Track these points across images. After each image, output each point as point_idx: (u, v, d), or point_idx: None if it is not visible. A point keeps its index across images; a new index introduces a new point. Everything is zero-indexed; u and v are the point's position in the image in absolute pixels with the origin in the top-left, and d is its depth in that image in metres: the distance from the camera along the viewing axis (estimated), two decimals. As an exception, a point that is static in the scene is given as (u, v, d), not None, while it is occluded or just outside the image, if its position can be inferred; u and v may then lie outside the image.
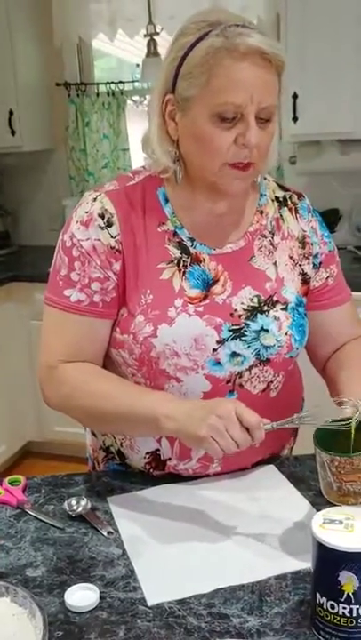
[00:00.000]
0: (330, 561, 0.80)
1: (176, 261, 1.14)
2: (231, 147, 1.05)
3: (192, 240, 1.16)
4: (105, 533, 1.05)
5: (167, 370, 1.12)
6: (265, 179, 1.25)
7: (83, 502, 1.12)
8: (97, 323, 1.14)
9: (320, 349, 1.30)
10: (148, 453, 1.20)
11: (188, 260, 1.15)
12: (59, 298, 1.14)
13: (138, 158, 3.63)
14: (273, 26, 3.12)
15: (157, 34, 3.16)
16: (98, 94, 3.51)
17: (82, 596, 0.91)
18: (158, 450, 1.19)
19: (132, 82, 3.52)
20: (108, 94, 3.47)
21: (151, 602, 0.91)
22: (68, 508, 1.11)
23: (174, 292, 1.13)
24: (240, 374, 1.15)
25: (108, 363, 1.19)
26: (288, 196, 1.26)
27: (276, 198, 1.24)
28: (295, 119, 2.87)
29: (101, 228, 1.12)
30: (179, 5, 3.16)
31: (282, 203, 1.24)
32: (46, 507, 1.14)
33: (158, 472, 1.21)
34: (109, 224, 1.12)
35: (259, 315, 1.15)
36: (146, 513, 1.11)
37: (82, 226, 1.13)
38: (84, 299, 1.13)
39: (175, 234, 1.15)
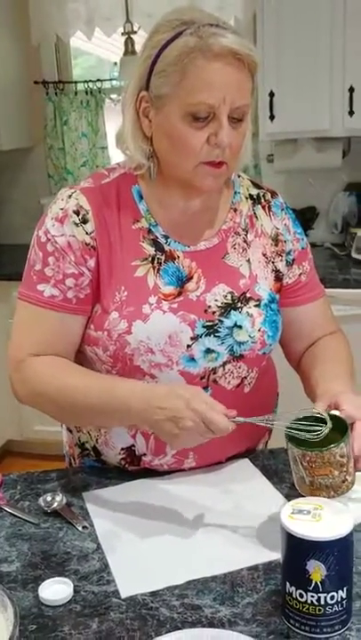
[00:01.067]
0: (298, 550, 0.81)
1: (150, 259, 1.15)
2: (204, 146, 1.06)
3: (166, 237, 1.17)
4: (80, 528, 1.06)
5: (142, 366, 1.13)
6: (239, 176, 1.27)
7: (58, 498, 1.13)
8: (69, 318, 1.14)
9: (294, 345, 1.32)
10: (123, 449, 1.21)
11: (163, 258, 1.15)
12: (32, 292, 1.14)
13: (117, 156, 3.63)
14: (249, 25, 3.14)
15: (135, 32, 3.16)
16: (76, 92, 3.50)
17: (56, 590, 0.92)
18: (133, 445, 1.20)
19: (110, 80, 3.53)
20: (87, 92, 3.47)
21: (125, 594, 0.92)
22: (43, 504, 1.12)
23: (148, 288, 1.13)
24: (214, 370, 1.16)
25: (82, 359, 1.19)
26: (262, 194, 1.27)
27: (250, 196, 1.25)
28: (272, 117, 2.90)
29: (76, 224, 1.13)
30: (156, 4, 3.16)
31: (256, 200, 1.25)
32: (22, 503, 1.15)
33: (133, 467, 1.21)
34: (84, 221, 1.13)
35: (232, 311, 1.16)
36: (120, 508, 1.12)
37: (57, 222, 1.14)
38: (57, 294, 1.13)
39: (150, 231, 1.16)
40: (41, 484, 1.20)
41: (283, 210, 1.28)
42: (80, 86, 3.49)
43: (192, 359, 1.14)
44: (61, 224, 1.13)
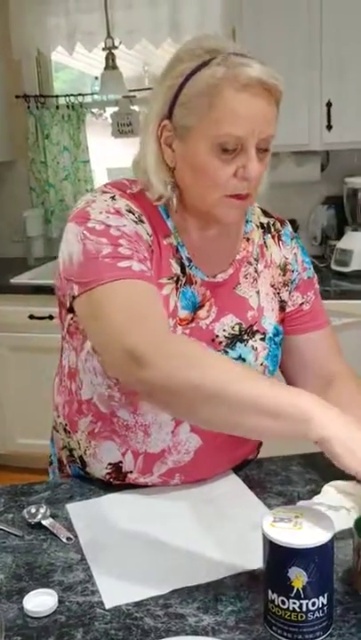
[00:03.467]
0: (280, 558, 0.83)
1: (175, 278, 1.13)
2: (231, 179, 1.04)
3: (190, 260, 1.15)
4: (64, 539, 1.07)
5: None
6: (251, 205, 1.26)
7: (42, 510, 1.13)
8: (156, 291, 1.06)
9: (297, 376, 1.30)
10: (110, 464, 1.20)
11: (184, 280, 1.14)
12: (119, 272, 1.00)
13: (98, 170, 3.65)
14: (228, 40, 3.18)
15: (116, 47, 3.20)
16: (57, 106, 3.52)
17: (40, 602, 0.92)
18: (121, 462, 1.19)
19: (92, 94, 3.55)
20: (68, 106, 3.50)
21: (109, 605, 0.92)
22: (27, 516, 1.12)
23: (169, 310, 1.12)
24: None
25: (82, 371, 1.17)
26: (272, 223, 1.27)
27: (261, 225, 1.25)
28: (252, 132, 2.93)
29: (135, 222, 1.07)
30: (136, 20, 3.21)
31: (266, 229, 1.25)
32: (5, 515, 1.15)
33: (118, 482, 1.22)
34: (141, 220, 1.09)
35: (238, 343, 1.17)
36: (104, 519, 1.13)
37: (112, 215, 1.06)
38: (145, 269, 1.03)
39: (177, 250, 1.14)
40: (25, 496, 1.21)
41: (293, 239, 1.28)
42: (61, 100, 3.52)
43: None
44: (120, 216, 1.06)
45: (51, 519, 1.12)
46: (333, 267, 2.98)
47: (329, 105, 2.82)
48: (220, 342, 1.15)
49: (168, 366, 0.93)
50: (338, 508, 1.09)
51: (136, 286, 1.01)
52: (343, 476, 1.19)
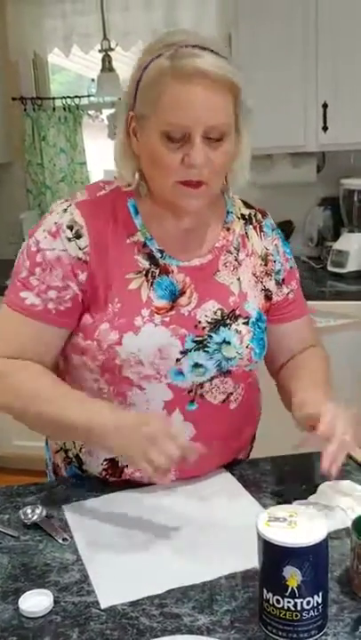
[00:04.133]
0: (274, 557, 0.83)
1: (144, 272, 1.16)
2: (179, 166, 1.07)
3: (161, 252, 1.18)
4: (60, 540, 1.07)
5: (130, 377, 1.14)
6: (233, 198, 1.28)
7: (38, 510, 1.13)
8: (47, 329, 1.15)
9: (277, 360, 1.34)
10: (106, 460, 1.21)
11: (157, 271, 1.17)
12: (15, 298, 1.15)
13: (95, 172, 3.66)
14: (225, 44, 3.19)
15: (112, 50, 3.20)
16: (54, 108, 3.53)
17: (36, 602, 0.92)
18: (116, 457, 1.20)
19: (88, 96, 3.56)
20: (65, 108, 3.50)
21: (105, 604, 0.93)
22: (23, 517, 1.12)
23: (142, 301, 1.15)
24: (201, 385, 1.18)
25: (70, 368, 1.20)
26: (253, 214, 1.29)
27: (243, 216, 1.27)
28: (248, 133, 2.94)
29: (69, 239, 1.13)
30: (133, 22, 3.22)
31: (248, 220, 1.27)
32: (1, 516, 1.15)
33: (114, 479, 1.22)
34: (78, 236, 1.14)
35: (221, 327, 1.18)
36: (100, 519, 1.13)
37: (49, 235, 1.14)
38: (38, 303, 1.14)
39: (145, 245, 1.17)
40: (20, 496, 1.21)
41: (273, 230, 1.30)
42: (58, 102, 3.52)
43: (180, 373, 1.15)
44: (54, 238, 1.14)
45: (46, 520, 1.12)
46: (330, 268, 2.99)
47: (325, 106, 2.83)
48: (204, 327, 1.17)
49: None
50: (333, 507, 1.09)
51: (22, 322, 1.15)
52: (338, 476, 1.20)
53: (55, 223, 1.15)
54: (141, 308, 1.14)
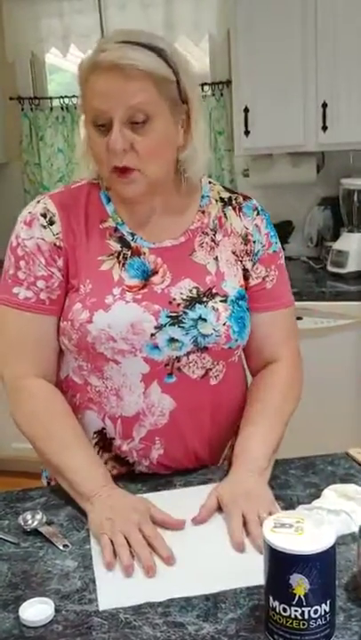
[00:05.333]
0: (281, 564, 0.81)
1: (116, 254, 1.20)
2: (106, 152, 1.12)
3: (132, 235, 1.22)
4: (60, 547, 1.05)
5: (105, 353, 1.17)
6: (210, 182, 1.31)
7: (38, 516, 1.11)
8: (45, 320, 1.21)
9: (249, 352, 1.32)
10: (95, 433, 1.24)
11: (129, 253, 1.21)
12: (8, 296, 1.21)
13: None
14: (224, 42, 3.18)
15: (110, 49, 3.18)
16: (52, 108, 3.51)
17: (37, 611, 0.90)
18: (104, 429, 1.23)
19: (86, 96, 3.53)
20: (62, 108, 3.48)
21: (103, 607, 0.91)
22: (22, 523, 1.10)
23: (113, 280, 1.18)
24: (178, 359, 1.19)
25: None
26: (234, 197, 1.30)
27: (221, 199, 1.29)
28: (247, 133, 2.93)
29: (44, 226, 1.19)
30: (131, 21, 3.20)
31: (226, 203, 1.29)
32: (0, 522, 1.13)
33: (107, 454, 1.24)
34: (51, 222, 1.20)
35: (197, 304, 1.19)
36: None
37: (25, 225, 1.21)
38: (30, 296, 1.19)
39: (116, 229, 1.22)
40: (20, 502, 1.19)
41: (255, 210, 1.30)
42: (55, 102, 3.50)
43: (156, 347, 1.18)
44: (30, 227, 1.20)
45: (47, 526, 1.10)
46: (329, 268, 2.97)
47: (324, 106, 2.82)
48: (179, 304, 1.19)
49: (14, 407, 1.23)
50: (338, 512, 1.07)
51: (22, 318, 1.20)
52: (343, 479, 1.19)
53: (30, 213, 1.21)
54: (112, 287, 1.18)
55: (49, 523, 1.11)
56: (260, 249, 1.28)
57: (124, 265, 1.20)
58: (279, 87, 2.85)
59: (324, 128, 2.84)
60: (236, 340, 1.22)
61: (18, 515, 1.13)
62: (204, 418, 1.25)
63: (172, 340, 1.18)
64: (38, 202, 1.23)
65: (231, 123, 3.12)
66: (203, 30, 3.21)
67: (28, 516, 1.11)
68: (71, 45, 3.36)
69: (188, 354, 1.19)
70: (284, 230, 3.25)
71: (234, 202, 1.29)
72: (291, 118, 2.86)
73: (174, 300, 1.19)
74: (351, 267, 2.90)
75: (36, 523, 1.10)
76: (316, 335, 2.67)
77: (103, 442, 1.25)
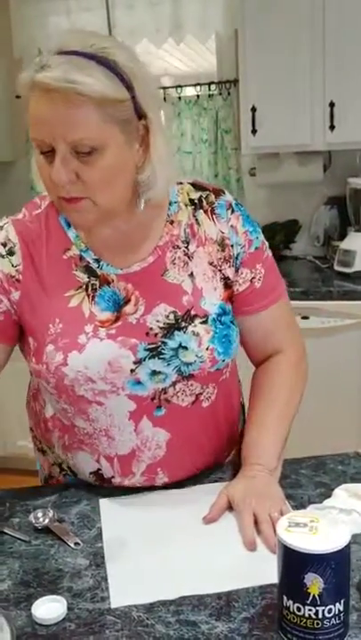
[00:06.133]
0: (295, 563, 0.81)
1: (84, 287, 1.11)
2: (51, 181, 1.01)
3: (98, 261, 1.12)
4: (72, 545, 1.05)
5: (85, 395, 1.11)
6: (180, 183, 1.19)
7: (49, 514, 1.11)
8: None
9: (252, 351, 1.27)
10: (91, 473, 1.20)
11: (97, 283, 1.12)
12: None
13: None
14: (231, 41, 3.18)
15: (117, 47, 3.18)
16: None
17: (49, 609, 0.90)
18: (99, 469, 1.19)
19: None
20: (69, 107, 3.47)
21: (115, 604, 0.91)
22: (33, 521, 1.10)
23: (84, 317, 1.10)
24: (164, 390, 1.13)
25: (40, 388, 1.20)
26: (204, 196, 1.17)
27: (191, 201, 1.17)
28: (254, 132, 2.92)
29: (2, 256, 1.12)
30: (138, 20, 3.20)
31: (197, 205, 1.17)
32: (11, 520, 1.13)
33: (107, 486, 1.20)
34: (11, 253, 1.12)
35: (176, 332, 1.11)
36: (130, 519, 1.12)
37: None
38: None
39: (81, 258, 1.12)
40: (30, 499, 1.19)
41: (229, 209, 1.17)
42: (62, 100, 3.49)
43: (138, 382, 1.11)
44: None
45: (58, 524, 1.10)
46: (336, 267, 2.96)
47: (332, 105, 2.81)
48: (156, 334, 1.11)
49: None
50: (350, 511, 1.07)
51: None
52: (354, 479, 1.18)
53: None
54: (84, 325, 1.10)
55: (60, 520, 1.11)
56: (241, 251, 1.17)
57: (93, 297, 1.11)
58: (286, 86, 2.84)
59: (332, 127, 2.83)
60: (223, 361, 1.15)
61: (29, 512, 1.13)
62: (202, 439, 1.21)
63: (154, 372, 1.10)
64: (1, 227, 1.14)
65: (238, 121, 3.12)
66: (210, 29, 3.21)
67: (39, 514, 1.11)
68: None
69: (173, 384, 1.12)
70: (290, 229, 3.25)
71: (205, 203, 1.17)
72: (298, 117, 2.86)
73: (151, 329, 1.11)
74: (358, 266, 2.89)
75: (47, 520, 1.10)
76: (322, 335, 2.67)
77: (101, 480, 1.20)
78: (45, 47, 1.01)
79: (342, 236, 3.10)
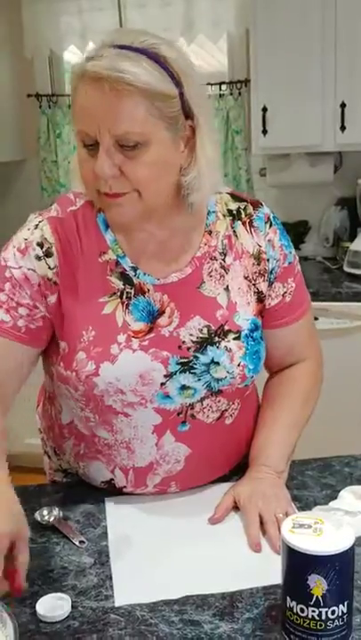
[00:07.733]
0: (299, 565, 0.81)
1: (119, 294, 1.09)
2: (94, 176, 1.00)
3: (135, 269, 1.10)
4: (77, 543, 1.05)
5: (113, 406, 1.09)
6: (218, 193, 1.16)
7: (54, 512, 1.12)
8: (15, 346, 1.08)
9: (272, 361, 1.25)
10: (102, 482, 1.19)
11: (132, 292, 1.09)
12: None
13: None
14: (242, 41, 3.17)
15: (128, 47, 3.18)
16: (69, 105, 3.50)
17: (53, 606, 0.91)
18: (112, 479, 1.17)
19: (104, 94, 3.54)
20: (80, 106, 3.48)
21: (119, 603, 0.91)
22: (39, 518, 1.11)
23: (117, 326, 1.08)
24: (192, 405, 1.11)
25: (60, 396, 1.17)
26: (243, 208, 1.16)
27: (229, 212, 1.16)
28: (265, 132, 2.92)
29: (39, 258, 1.07)
30: (150, 19, 3.20)
31: (235, 216, 1.15)
32: (17, 517, 1.13)
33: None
34: (48, 254, 1.07)
35: (209, 347, 1.09)
36: (135, 518, 1.12)
37: (18, 252, 1.08)
38: (7, 320, 1.07)
39: (117, 263, 1.10)
40: (36, 497, 1.19)
41: (267, 222, 1.17)
42: (73, 99, 3.50)
43: (167, 396, 1.09)
44: (22, 255, 1.08)
45: (63, 522, 1.10)
46: (346, 269, 2.95)
47: (343, 106, 2.80)
48: (189, 348, 1.09)
49: None
50: (356, 513, 1.07)
51: None
52: (360, 481, 1.18)
53: (25, 239, 1.08)
54: (117, 334, 1.07)
55: (65, 519, 1.11)
56: (276, 266, 1.17)
57: (127, 306, 1.08)
58: (298, 86, 2.83)
59: (343, 128, 2.82)
60: (252, 377, 1.14)
61: (34, 510, 1.13)
62: (219, 455, 1.20)
63: (183, 387, 1.09)
64: (36, 226, 1.09)
65: (249, 122, 3.11)
66: (221, 29, 3.20)
67: (45, 512, 1.12)
68: (90, 43, 3.35)
69: (201, 399, 1.11)
70: (300, 230, 3.24)
71: (243, 215, 1.15)
72: (309, 118, 2.85)
73: (184, 343, 1.08)
74: (368, 267, 2.89)
75: (52, 518, 1.11)
76: (332, 336, 2.66)
77: (112, 489, 1.18)
78: (97, 42, 1.01)
79: (352, 237, 3.08)
